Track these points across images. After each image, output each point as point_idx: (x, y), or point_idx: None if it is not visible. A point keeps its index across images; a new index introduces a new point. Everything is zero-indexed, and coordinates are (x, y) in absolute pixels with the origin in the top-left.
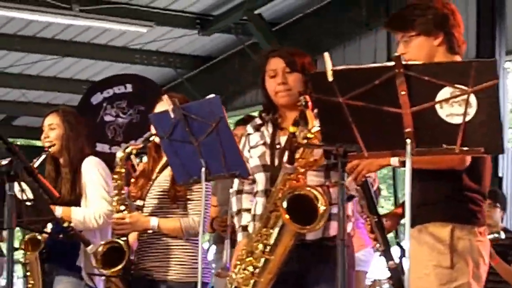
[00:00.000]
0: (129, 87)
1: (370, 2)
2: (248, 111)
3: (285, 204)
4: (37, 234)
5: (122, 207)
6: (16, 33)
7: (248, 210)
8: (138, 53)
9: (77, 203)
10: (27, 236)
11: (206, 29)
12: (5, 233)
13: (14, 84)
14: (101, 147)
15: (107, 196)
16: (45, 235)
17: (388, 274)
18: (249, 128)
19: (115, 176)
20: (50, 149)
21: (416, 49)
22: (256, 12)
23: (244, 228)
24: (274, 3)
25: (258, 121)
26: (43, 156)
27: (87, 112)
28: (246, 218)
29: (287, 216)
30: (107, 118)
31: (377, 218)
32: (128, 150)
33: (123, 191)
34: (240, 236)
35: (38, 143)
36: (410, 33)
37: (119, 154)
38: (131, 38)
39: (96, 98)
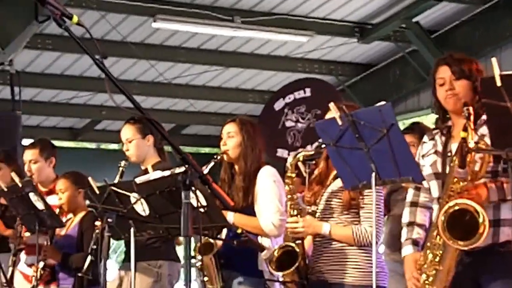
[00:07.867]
0: (308, 91)
1: None
2: (409, 117)
3: (445, 223)
4: (210, 239)
5: (295, 212)
6: (181, 45)
7: (421, 226)
8: (300, 62)
9: (249, 211)
10: (199, 243)
11: (365, 37)
12: (181, 238)
13: (182, 95)
14: (281, 152)
15: (281, 207)
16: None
17: None
18: (425, 137)
19: (287, 181)
20: (219, 157)
21: None
22: (413, 20)
23: (414, 242)
24: (430, 11)
25: (434, 130)
26: (212, 163)
27: (270, 118)
28: (417, 232)
29: (447, 235)
30: (288, 123)
31: None
32: (298, 156)
33: (295, 196)
34: (409, 249)
35: (206, 150)
36: None
37: (290, 159)
38: (292, 48)
39: (279, 104)
